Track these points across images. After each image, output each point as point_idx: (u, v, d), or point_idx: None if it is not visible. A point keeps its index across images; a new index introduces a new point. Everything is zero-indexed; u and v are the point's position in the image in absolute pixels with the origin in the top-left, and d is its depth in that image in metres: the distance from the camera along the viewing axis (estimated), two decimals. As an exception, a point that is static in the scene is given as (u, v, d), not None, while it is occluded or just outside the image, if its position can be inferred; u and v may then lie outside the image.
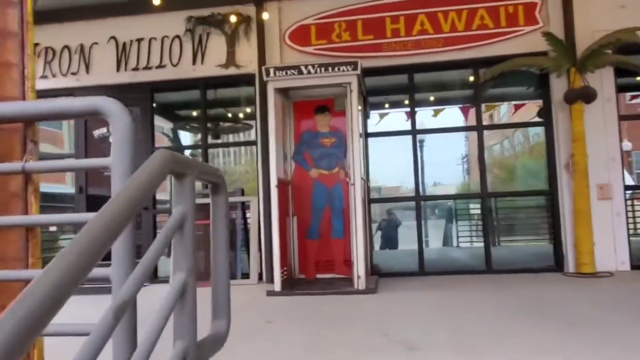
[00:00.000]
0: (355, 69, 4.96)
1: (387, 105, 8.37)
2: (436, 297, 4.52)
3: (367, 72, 5.70)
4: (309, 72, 5.03)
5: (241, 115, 10.20)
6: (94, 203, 6.66)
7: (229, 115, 10.08)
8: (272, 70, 5.08)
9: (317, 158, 5.92)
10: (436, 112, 10.89)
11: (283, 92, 5.61)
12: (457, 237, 10.98)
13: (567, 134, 5.58)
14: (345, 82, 5.06)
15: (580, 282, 4.99)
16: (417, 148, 6.11)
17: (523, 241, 10.02)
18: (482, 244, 10.14)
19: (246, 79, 6.37)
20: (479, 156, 6.02)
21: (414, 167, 6.09)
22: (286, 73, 5.06)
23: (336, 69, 4.98)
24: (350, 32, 6.00)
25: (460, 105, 10.56)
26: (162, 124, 12.92)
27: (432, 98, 9.13)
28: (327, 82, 5.11)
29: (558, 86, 5.64)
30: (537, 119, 6.34)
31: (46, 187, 6.63)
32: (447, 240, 11.47)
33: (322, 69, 5.01)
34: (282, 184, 5.49)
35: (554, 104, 5.74)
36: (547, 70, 5.59)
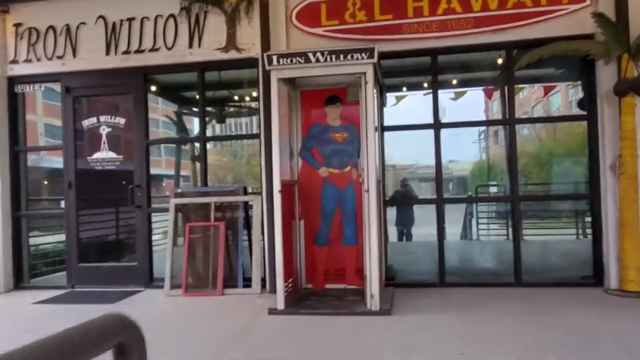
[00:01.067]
0: (371, 56, 4.25)
1: (404, 89, 7.63)
2: (461, 324, 3.93)
3: (385, 55, 4.99)
4: (317, 60, 4.34)
5: (247, 98, 9.55)
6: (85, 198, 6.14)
7: (235, 97, 9.44)
8: (275, 58, 4.40)
9: (327, 155, 5.28)
10: (457, 95, 10.17)
11: (289, 80, 4.93)
12: (477, 227, 10.32)
13: (614, 130, 4.84)
14: (360, 72, 4.37)
15: (627, 305, 4.35)
16: (439, 144, 5.42)
17: (550, 235, 9.33)
18: (502, 237, 9.59)
19: (248, 64, 5.69)
20: (510, 156, 5.30)
21: (436, 166, 5.41)
22: (291, 61, 4.38)
23: (349, 56, 4.29)
24: (366, 11, 5.26)
25: (484, 87, 9.81)
26: (166, 107, 12.27)
27: (454, 81, 8.40)
28: (339, 72, 4.42)
29: (606, 75, 4.87)
30: (578, 112, 5.59)
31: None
32: (465, 232, 10.79)
33: (333, 56, 4.31)
34: (287, 186, 4.88)
35: (600, 95, 4.98)
36: (593, 56, 4.82)
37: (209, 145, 6.46)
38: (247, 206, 5.73)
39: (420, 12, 5.16)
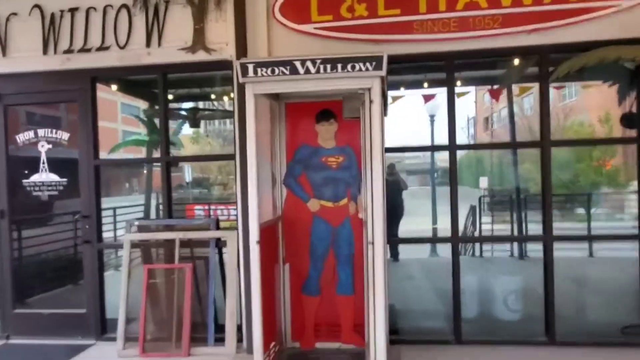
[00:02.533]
0: (378, 67, 3.21)
1: (402, 88, 6.60)
2: None
3: (390, 60, 3.94)
4: (307, 72, 3.28)
5: (226, 98, 8.44)
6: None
7: (211, 95, 8.33)
8: (251, 68, 3.33)
9: (319, 184, 4.25)
10: (459, 95, 9.15)
11: (268, 94, 3.87)
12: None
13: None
14: (363, 88, 3.33)
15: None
16: (455, 168, 4.42)
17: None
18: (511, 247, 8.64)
19: (220, 66, 4.61)
20: (544, 187, 4.31)
21: (451, 192, 4.41)
22: (273, 72, 3.31)
23: (349, 67, 3.23)
24: (368, 4, 4.19)
25: (490, 88, 8.80)
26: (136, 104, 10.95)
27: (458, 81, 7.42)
28: (335, 87, 3.37)
29: (665, 89, 3.91)
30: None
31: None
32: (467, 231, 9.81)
33: (328, 66, 3.26)
34: (267, 228, 3.85)
35: (656, 113, 4.02)
36: (650, 64, 3.85)
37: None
38: (220, 243, 4.69)
39: (435, 7, 4.12)
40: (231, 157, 4.64)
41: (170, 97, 7.95)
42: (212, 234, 4.62)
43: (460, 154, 4.49)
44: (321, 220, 4.24)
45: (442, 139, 4.43)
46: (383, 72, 3.21)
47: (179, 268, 4.49)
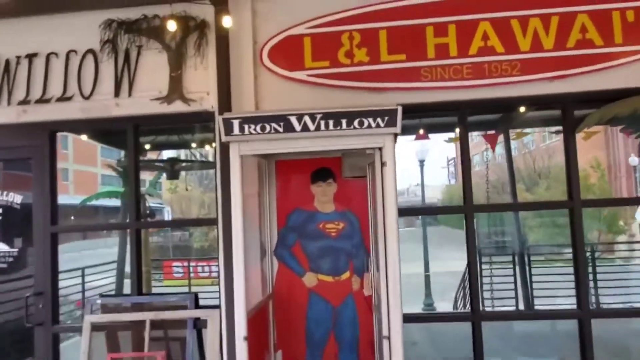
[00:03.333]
0: (391, 122, 2.66)
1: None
2: None
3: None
4: (305, 128, 2.71)
5: (208, 147, 7.88)
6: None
7: (192, 144, 7.76)
8: (236, 124, 2.74)
9: (316, 255, 3.62)
10: (455, 141, 8.75)
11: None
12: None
13: None
14: (373, 147, 2.77)
15: None
16: (473, 232, 3.84)
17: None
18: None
19: (201, 118, 4.04)
20: (577, 254, 3.73)
21: (469, 272, 3.79)
22: (263, 129, 2.74)
23: (356, 122, 2.68)
24: (369, 48, 3.71)
25: (483, 133, 8.43)
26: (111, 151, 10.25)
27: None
28: (340, 147, 2.81)
29: None
30: None
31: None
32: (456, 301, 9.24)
33: (330, 122, 2.70)
34: (256, 314, 3.18)
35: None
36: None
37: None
38: (199, 323, 3.96)
39: (445, 52, 3.65)
40: (212, 222, 3.99)
41: (147, 146, 7.46)
42: (190, 313, 3.89)
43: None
44: (319, 299, 3.58)
45: (431, 179, 3.88)
46: (397, 129, 2.67)
47: (149, 357, 3.73)
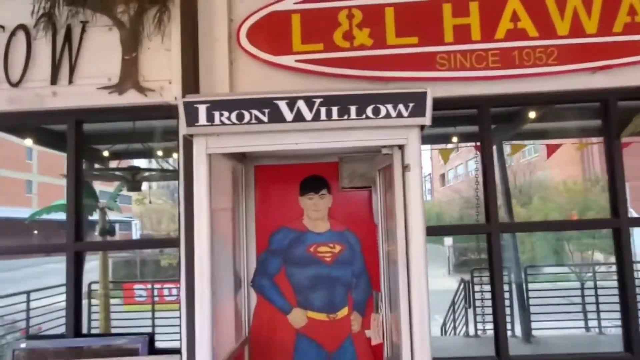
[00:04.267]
0: (418, 110, 1.94)
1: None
2: None
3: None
4: (298, 117, 1.95)
5: (175, 154, 6.98)
6: None
7: (158, 152, 6.87)
8: (203, 110, 1.97)
9: (305, 287, 2.84)
10: (445, 154, 8.16)
11: (229, 153, 2.52)
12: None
13: None
14: (391, 145, 2.03)
15: None
16: (498, 251, 3.12)
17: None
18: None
19: (161, 113, 3.23)
20: (624, 278, 3.05)
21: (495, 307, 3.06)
22: (240, 117, 1.96)
23: (369, 111, 1.94)
24: (373, 29, 3.00)
25: (473, 145, 7.84)
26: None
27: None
28: (347, 145, 2.04)
29: None
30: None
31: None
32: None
33: (334, 110, 1.95)
34: (227, 369, 2.37)
35: None
36: None
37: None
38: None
39: (466, 35, 2.97)
40: (173, 242, 3.18)
41: (105, 153, 6.56)
42: (140, 361, 3.04)
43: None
44: (310, 343, 2.79)
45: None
46: (427, 119, 1.94)
47: (86, 420, 2.86)
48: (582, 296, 7.85)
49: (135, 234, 26.33)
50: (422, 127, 1.98)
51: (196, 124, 1.97)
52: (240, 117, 1.96)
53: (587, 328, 7.73)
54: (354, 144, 2.00)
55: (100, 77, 3.12)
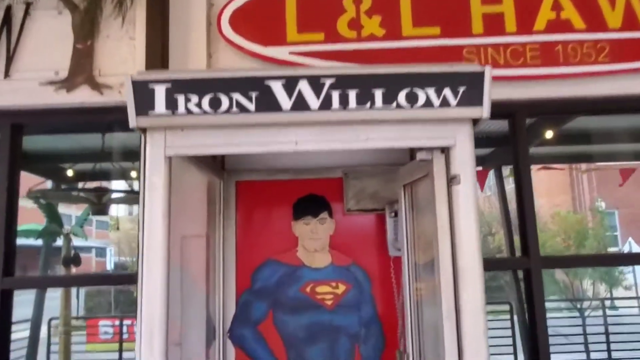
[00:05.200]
0: (472, 98, 1.35)
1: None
2: None
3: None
4: (299, 105, 1.35)
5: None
6: None
7: (132, 174, 6.17)
8: (160, 93, 1.35)
9: (299, 339, 2.18)
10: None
11: (203, 160, 1.90)
12: None
13: None
14: (431, 147, 1.43)
15: None
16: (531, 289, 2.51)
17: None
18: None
19: (119, 116, 2.57)
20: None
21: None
22: (216, 104, 1.35)
23: (401, 97, 1.35)
24: (386, 17, 2.45)
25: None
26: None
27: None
28: (368, 146, 1.43)
29: None
30: None
31: None
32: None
33: (352, 94, 1.35)
34: None
35: None
36: None
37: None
38: None
39: (499, 25, 2.44)
40: (130, 279, 2.51)
41: (69, 173, 5.86)
42: None
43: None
44: (305, 416, 2.12)
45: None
46: (484, 111, 1.35)
47: None
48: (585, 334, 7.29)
49: (110, 262, 25.06)
50: (476, 121, 1.39)
51: (151, 113, 1.35)
52: (215, 104, 1.35)
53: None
54: (379, 144, 1.40)
55: (45, 70, 2.50)
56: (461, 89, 1.35)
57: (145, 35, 2.43)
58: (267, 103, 1.35)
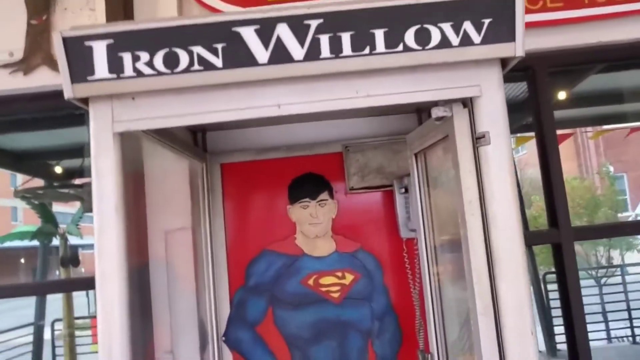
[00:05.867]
0: (503, 33, 1.05)
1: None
2: None
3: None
4: (279, 56, 1.05)
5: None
6: None
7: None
8: (101, 53, 1.05)
9: (304, 338, 1.91)
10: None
11: (175, 141, 1.60)
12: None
13: None
14: (453, 100, 1.13)
15: None
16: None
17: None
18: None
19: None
20: None
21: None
22: (170, 62, 1.05)
23: (408, 37, 1.04)
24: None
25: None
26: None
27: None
28: (364, 105, 1.13)
29: None
30: None
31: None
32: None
33: (344, 38, 1.05)
34: None
35: None
36: None
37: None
38: None
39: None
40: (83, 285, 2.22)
41: (57, 170, 5.60)
42: None
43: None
44: None
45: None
46: (517, 47, 1.05)
47: None
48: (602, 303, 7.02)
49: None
50: (505, 63, 1.09)
51: (90, 78, 1.06)
52: (171, 61, 1.05)
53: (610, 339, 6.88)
54: (383, 100, 1.10)
55: (-4, 50, 2.19)
56: (486, 21, 1.04)
57: (105, 5, 2.13)
58: (238, 56, 1.05)
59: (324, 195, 1.96)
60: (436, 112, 1.12)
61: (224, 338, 1.93)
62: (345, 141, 1.97)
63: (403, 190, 1.85)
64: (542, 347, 6.73)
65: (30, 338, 6.52)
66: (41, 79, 2.19)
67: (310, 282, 1.93)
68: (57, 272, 9.02)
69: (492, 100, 1.06)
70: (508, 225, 1.03)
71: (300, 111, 1.08)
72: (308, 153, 1.97)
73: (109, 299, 1.07)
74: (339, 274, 1.93)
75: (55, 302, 6.83)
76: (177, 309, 1.86)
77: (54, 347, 6.77)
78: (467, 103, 1.11)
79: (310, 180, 1.97)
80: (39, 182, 6.39)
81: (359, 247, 1.95)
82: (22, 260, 24.89)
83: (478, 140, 1.07)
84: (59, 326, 6.79)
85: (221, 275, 1.96)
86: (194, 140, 1.99)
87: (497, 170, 1.05)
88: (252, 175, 2.00)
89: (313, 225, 1.95)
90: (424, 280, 1.62)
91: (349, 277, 1.92)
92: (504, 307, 1.02)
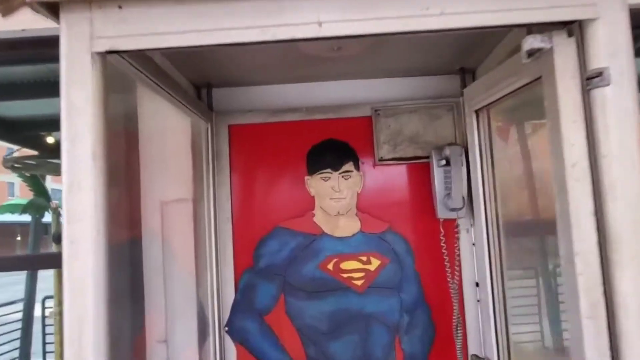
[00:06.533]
0: None
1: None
2: None
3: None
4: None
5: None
6: None
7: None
8: None
9: (321, 332, 1.64)
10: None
11: (176, 91, 1.31)
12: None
13: None
14: (554, 24, 0.83)
15: None
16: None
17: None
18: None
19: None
20: None
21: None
22: None
23: None
24: None
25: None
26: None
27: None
28: (440, 27, 0.84)
29: None
30: None
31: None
32: None
33: None
34: None
35: None
36: None
37: None
38: None
39: None
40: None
41: (49, 140, 5.32)
42: None
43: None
44: None
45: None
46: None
47: None
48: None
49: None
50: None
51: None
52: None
53: None
54: (461, 22, 0.81)
55: (-28, -12, 1.88)
56: None
57: None
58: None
59: (348, 166, 1.68)
60: (530, 43, 0.83)
61: (226, 328, 1.66)
62: (375, 104, 1.68)
63: (443, 162, 1.57)
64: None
65: (20, 315, 6.32)
66: (23, 23, 1.89)
67: (330, 266, 1.65)
68: (51, 249, 8.79)
69: (614, 25, 0.77)
70: (632, 197, 0.75)
71: (349, 32, 0.79)
72: (331, 116, 1.69)
73: (80, 276, 0.79)
74: (364, 258, 1.65)
75: (48, 279, 6.64)
76: (173, 292, 1.61)
77: (44, 324, 6.55)
78: (574, 30, 0.81)
79: (332, 147, 1.68)
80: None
81: (387, 227, 1.67)
82: (19, 238, 24.75)
83: (590, 80, 0.78)
84: (50, 304, 6.58)
85: (226, 254, 1.69)
86: (196, 92, 1.70)
87: (619, 121, 0.76)
88: (264, 139, 1.71)
89: (335, 200, 1.67)
90: (480, 270, 1.34)
91: (375, 263, 1.65)
92: (621, 306, 0.75)
